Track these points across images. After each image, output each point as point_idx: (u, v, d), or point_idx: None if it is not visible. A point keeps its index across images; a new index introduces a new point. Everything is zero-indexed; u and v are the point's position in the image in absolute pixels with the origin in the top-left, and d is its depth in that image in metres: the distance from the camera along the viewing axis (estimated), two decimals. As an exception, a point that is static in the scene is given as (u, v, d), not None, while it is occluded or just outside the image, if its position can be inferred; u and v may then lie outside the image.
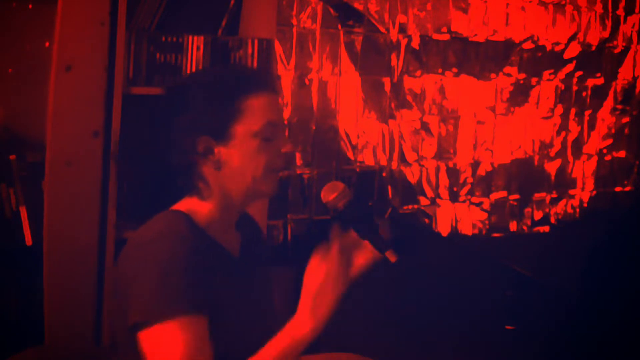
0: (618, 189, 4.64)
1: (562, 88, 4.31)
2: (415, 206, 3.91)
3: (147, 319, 1.50)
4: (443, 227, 4.01)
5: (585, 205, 4.50)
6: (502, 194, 4.19)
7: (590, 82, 4.42)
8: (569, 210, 4.45)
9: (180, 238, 1.58)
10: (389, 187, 3.80)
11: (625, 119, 4.60)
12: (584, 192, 4.50)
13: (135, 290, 1.53)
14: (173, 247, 1.55)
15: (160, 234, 1.58)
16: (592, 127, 4.48)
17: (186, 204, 1.67)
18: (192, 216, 1.65)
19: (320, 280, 1.55)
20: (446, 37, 3.86)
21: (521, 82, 4.16)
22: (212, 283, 1.56)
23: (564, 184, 4.42)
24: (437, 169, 3.96)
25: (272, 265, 1.88)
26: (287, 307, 1.77)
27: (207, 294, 1.54)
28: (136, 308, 1.52)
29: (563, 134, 4.38)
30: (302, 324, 1.55)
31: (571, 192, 4.46)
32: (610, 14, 4.40)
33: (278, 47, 3.34)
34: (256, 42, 2.64)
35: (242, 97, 1.64)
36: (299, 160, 3.50)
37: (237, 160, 1.64)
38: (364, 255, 1.62)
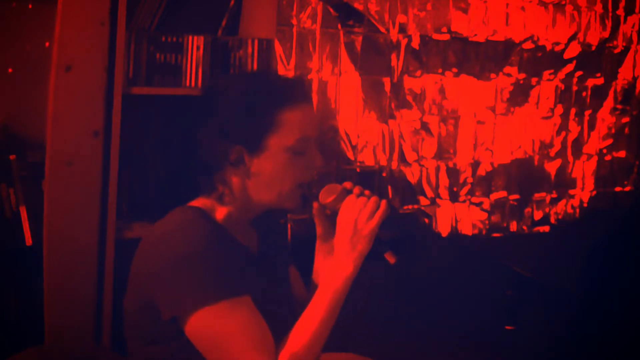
0: (618, 189, 4.64)
1: (562, 88, 4.31)
2: (415, 206, 3.91)
3: (194, 307, 1.50)
4: (443, 227, 4.01)
5: (585, 205, 4.50)
6: (502, 194, 4.19)
7: (590, 82, 4.42)
8: (569, 210, 4.45)
9: (203, 228, 1.58)
10: (389, 187, 3.80)
11: (625, 119, 4.60)
12: (584, 192, 4.50)
13: (170, 282, 1.53)
14: (198, 236, 1.56)
15: (182, 225, 1.59)
16: (592, 127, 4.48)
17: (202, 202, 1.67)
18: (209, 213, 1.65)
19: (354, 218, 1.59)
20: (446, 37, 3.86)
21: (521, 82, 4.16)
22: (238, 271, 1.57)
23: (564, 184, 4.42)
24: (437, 169, 3.96)
25: (293, 262, 1.89)
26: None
27: (242, 276, 1.55)
28: (177, 299, 1.52)
29: (563, 134, 4.38)
30: (344, 267, 1.59)
31: (571, 192, 4.46)
32: (610, 14, 4.40)
33: (278, 47, 3.34)
34: (256, 42, 2.64)
35: (279, 109, 1.62)
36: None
37: (267, 172, 1.63)
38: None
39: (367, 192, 1.64)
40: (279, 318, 1.59)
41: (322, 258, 1.75)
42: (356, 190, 1.65)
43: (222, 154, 1.62)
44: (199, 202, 1.67)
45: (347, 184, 1.67)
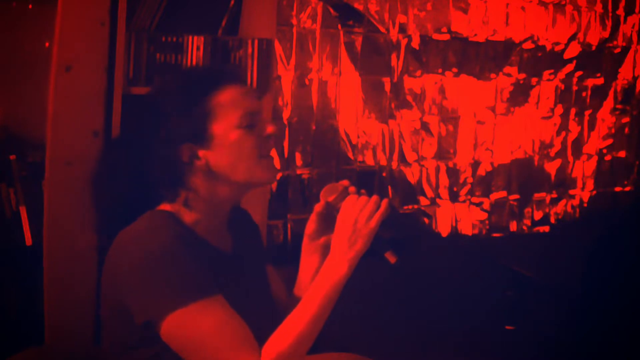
0: (618, 189, 4.64)
1: (562, 88, 4.31)
2: (415, 206, 3.91)
3: (166, 310, 1.49)
4: (443, 227, 4.01)
5: (585, 205, 4.50)
6: (502, 194, 4.19)
7: (590, 82, 4.42)
8: (569, 210, 4.45)
9: (173, 231, 1.57)
10: (389, 187, 3.80)
11: (625, 119, 4.60)
12: (584, 192, 4.50)
13: (140, 287, 1.52)
14: (167, 239, 1.54)
15: (152, 228, 1.57)
16: (592, 127, 4.48)
17: (170, 206, 1.66)
18: (178, 216, 1.64)
19: (354, 217, 1.58)
20: (446, 37, 3.86)
21: (521, 82, 4.16)
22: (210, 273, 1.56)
23: (564, 184, 4.42)
24: (437, 169, 3.96)
25: (270, 261, 1.88)
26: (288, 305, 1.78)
27: (213, 276, 1.54)
28: (148, 303, 1.51)
29: (563, 134, 4.38)
30: (339, 266, 1.58)
31: (571, 192, 4.46)
32: (610, 14, 4.40)
33: (278, 47, 3.34)
34: (256, 42, 2.64)
35: (209, 95, 1.62)
36: (299, 161, 3.50)
37: (224, 157, 1.62)
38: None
39: (375, 196, 1.64)
40: (257, 317, 1.58)
41: (306, 257, 1.75)
42: (351, 189, 1.65)
43: (173, 157, 1.61)
44: (167, 206, 1.66)
45: (344, 182, 1.67)
